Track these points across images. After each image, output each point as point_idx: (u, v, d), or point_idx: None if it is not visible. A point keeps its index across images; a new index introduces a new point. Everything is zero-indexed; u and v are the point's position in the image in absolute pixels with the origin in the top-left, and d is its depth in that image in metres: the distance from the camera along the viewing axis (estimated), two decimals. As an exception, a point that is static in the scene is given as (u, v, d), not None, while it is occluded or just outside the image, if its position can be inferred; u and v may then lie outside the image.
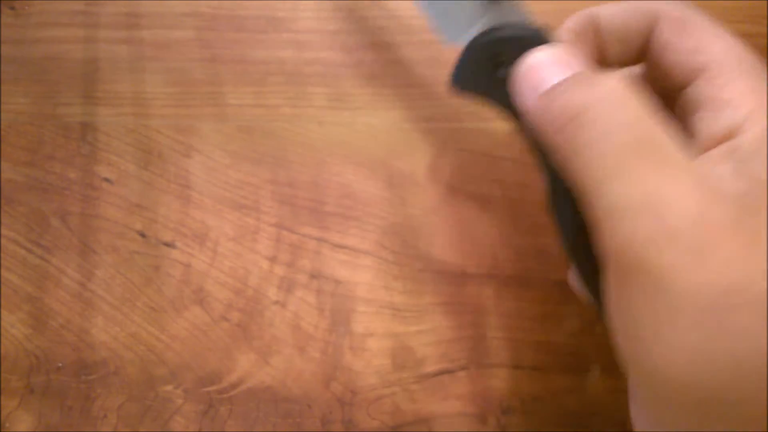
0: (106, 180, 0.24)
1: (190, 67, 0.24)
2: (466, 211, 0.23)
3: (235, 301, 0.23)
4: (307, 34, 0.24)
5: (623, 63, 0.18)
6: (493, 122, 0.24)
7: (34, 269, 0.24)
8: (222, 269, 0.23)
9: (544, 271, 0.23)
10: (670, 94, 0.17)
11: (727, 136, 0.15)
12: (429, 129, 0.24)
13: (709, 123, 0.16)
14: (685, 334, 0.13)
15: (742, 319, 0.12)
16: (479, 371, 0.22)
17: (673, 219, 0.13)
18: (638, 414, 0.16)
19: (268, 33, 0.24)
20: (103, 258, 0.23)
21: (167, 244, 0.23)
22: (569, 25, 0.18)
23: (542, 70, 0.16)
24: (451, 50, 0.19)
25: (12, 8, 0.25)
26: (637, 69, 0.19)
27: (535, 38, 0.17)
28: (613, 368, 0.22)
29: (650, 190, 0.13)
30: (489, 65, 0.18)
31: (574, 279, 0.19)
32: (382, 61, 0.24)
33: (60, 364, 0.23)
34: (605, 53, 0.18)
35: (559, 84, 0.16)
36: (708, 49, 0.16)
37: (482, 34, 0.18)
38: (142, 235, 0.23)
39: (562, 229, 0.18)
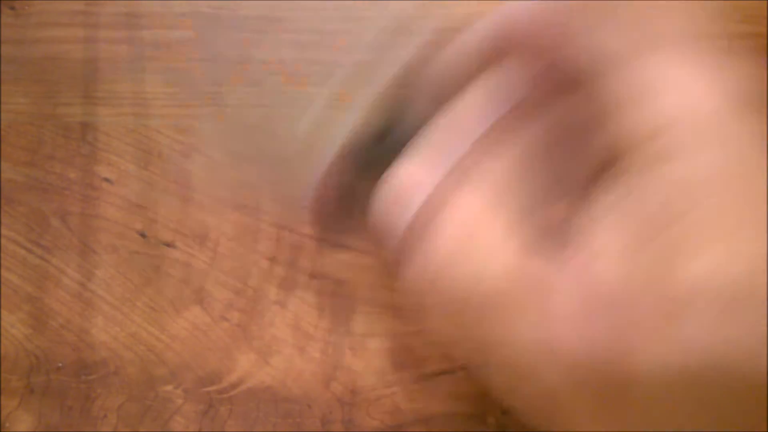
0: (106, 180, 0.24)
1: (190, 67, 0.24)
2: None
3: (235, 301, 0.23)
4: (307, 34, 0.24)
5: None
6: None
7: (34, 269, 0.24)
8: (222, 269, 0.23)
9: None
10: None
11: (649, 135, 0.13)
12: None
13: (626, 122, 0.14)
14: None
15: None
16: (479, 371, 0.22)
17: None
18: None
19: (268, 33, 0.24)
20: (103, 258, 0.23)
21: (167, 244, 0.23)
22: (483, 34, 0.16)
23: (390, 214, 0.16)
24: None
25: (12, 8, 0.25)
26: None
27: (396, 148, 0.16)
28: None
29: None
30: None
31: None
32: (382, 61, 0.24)
33: (60, 364, 0.23)
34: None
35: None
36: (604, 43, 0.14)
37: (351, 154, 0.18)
38: (142, 235, 0.23)
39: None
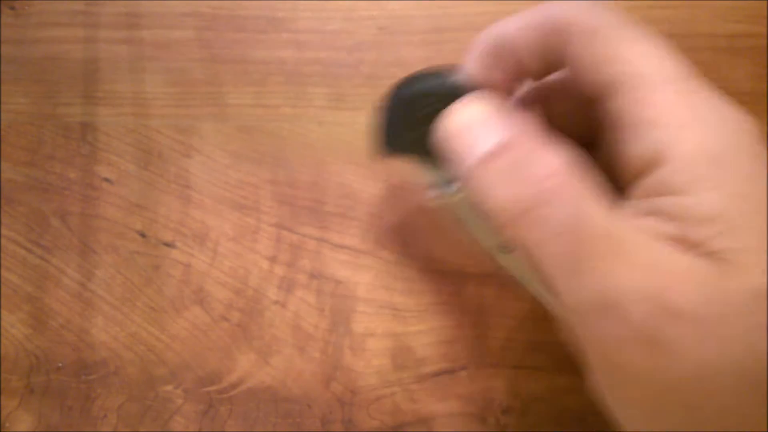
0: (106, 180, 0.24)
1: (190, 67, 0.24)
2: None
3: (235, 301, 0.23)
4: (307, 34, 0.24)
5: (547, 74, 0.17)
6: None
7: (34, 269, 0.24)
8: (222, 269, 0.23)
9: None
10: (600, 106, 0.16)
11: (652, 162, 0.14)
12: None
13: (631, 147, 0.14)
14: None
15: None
16: (479, 371, 0.22)
17: (636, 316, 0.13)
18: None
19: (268, 33, 0.24)
20: (103, 258, 0.23)
21: (167, 244, 0.23)
22: (480, 49, 0.16)
23: (472, 132, 0.15)
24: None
25: (12, 8, 0.25)
26: (558, 75, 0.17)
27: (456, 88, 0.16)
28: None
29: (609, 287, 0.13)
30: (411, 121, 0.17)
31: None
32: (382, 61, 0.24)
33: (60, 364, 0.23)
34: (526, 69, 0.16)
35: (496, 156, 0.15)
36: (622, 57, 0.14)
37: (399, 88, 0.17)
38: (142, 235, 0.23)
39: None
